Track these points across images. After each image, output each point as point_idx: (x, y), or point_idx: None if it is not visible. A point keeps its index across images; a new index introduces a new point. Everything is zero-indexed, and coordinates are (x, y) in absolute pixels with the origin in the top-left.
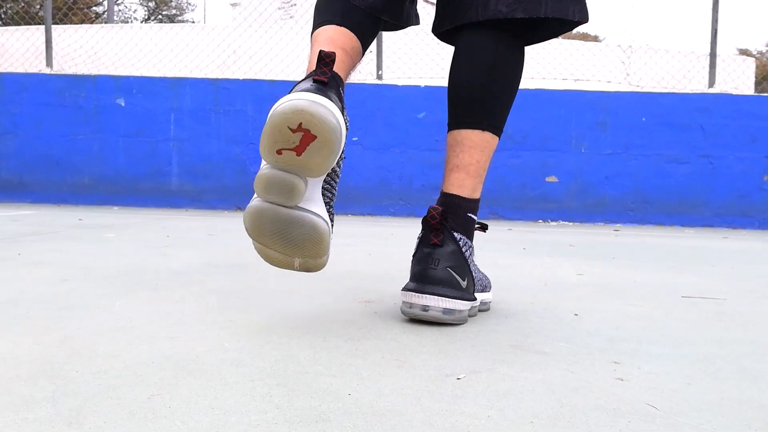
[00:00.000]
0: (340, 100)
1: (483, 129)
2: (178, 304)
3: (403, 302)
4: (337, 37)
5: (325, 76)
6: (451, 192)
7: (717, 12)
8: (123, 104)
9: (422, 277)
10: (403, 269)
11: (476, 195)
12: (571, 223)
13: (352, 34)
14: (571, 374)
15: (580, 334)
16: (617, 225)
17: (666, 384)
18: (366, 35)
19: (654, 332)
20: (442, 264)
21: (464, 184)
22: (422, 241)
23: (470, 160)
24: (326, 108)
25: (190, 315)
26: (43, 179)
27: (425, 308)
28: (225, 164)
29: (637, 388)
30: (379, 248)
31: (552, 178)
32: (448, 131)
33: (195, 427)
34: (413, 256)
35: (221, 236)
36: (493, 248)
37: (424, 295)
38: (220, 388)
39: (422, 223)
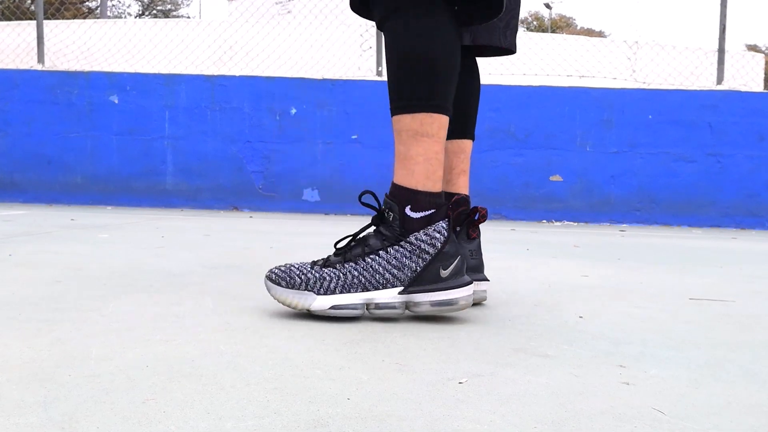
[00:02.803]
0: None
1: (472, 138)
2: (173, 306)
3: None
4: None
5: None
6: (464, 194)
7: (725, 7)
8: (116, 101)
9: (474, 269)
10: None
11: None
12: (575, 224)
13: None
14: (576, 378)
15: (584, 336)
16: (623, 225)
17: (673, 388)
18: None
19: (660, 335)
20: (476, 255)
21: (467, 185)
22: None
23: (468, 165)
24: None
25: (186, 317)
26: (35, 178)
27: (481, 294)
28: (221, 163)
29: (643, 392)
30: None
31: (556, 177)
32: (450, 139)
33: None
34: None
35: (217, 237)
36: (495, 249)
37: (481, 283)
38: (216, 393)
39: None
